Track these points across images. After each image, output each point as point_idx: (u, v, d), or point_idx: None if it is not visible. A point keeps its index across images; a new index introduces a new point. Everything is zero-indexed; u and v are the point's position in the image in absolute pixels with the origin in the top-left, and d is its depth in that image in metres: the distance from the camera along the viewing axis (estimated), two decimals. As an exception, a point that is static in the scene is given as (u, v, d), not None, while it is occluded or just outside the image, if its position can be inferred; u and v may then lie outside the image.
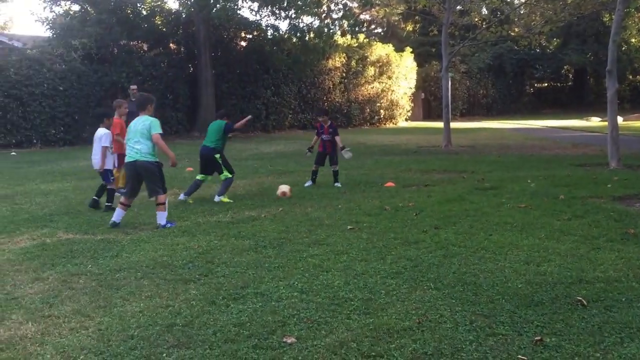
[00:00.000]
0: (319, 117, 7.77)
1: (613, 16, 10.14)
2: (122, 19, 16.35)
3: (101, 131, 6.27)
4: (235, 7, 17.10)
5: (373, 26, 31.26)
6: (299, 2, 16.56)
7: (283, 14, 17.68)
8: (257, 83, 19.01)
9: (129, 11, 16.98)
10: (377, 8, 21.97)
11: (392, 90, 22.80)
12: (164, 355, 2.55)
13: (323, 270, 3.72)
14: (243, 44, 19.74)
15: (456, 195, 6.36)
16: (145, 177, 5.19)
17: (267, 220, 5.33)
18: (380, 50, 22.31)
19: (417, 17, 25.12)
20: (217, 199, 6.41)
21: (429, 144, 14.19)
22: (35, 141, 14.78)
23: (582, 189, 6.58)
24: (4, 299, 3.31)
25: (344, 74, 21.49)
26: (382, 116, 22.92)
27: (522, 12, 15.28)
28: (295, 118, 20.35)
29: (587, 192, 6.36)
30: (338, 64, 21.13)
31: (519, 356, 2.47)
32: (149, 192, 5.26)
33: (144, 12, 17.90)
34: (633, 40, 28.86)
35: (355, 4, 19.47)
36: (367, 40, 23.02)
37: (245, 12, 26.16)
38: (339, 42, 20.16)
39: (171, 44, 18.63)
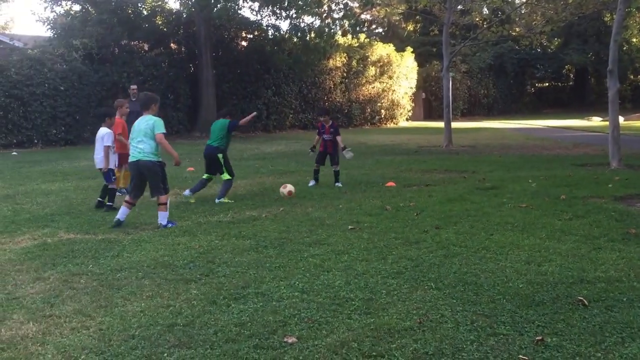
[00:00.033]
0: (321, 116, 7.76)
1: (614, 16, 10.14)
2: (123, 19, 16.37)
3: (103, 130, 6.28)
4: (236, 7, 17.11)
5: (374, 26, 31.25)
6: (299, 2, 16.56)
7: (284, 14, 17.68)
8: (257, 83, 19.02)
9: (129, 11, 16.99)
10: (378, 8, 21.95)
11: (393, 90, 22.79)
12: (165, 355, 2.55)
13: (324, 270, 3.72)
14: (244, 43, 19.75)
15: (457, 195, 6.36)
16: (148, 176, 5.20)
17: (268, 220, 5.33)
18: (381, 50, 22.30)
19: (418, 17, 25.11)
20: (217, 201, 6.41)
21: (430, 143, 14.18)
22: (36, 141, 14.80)
23: (583, 189, 6.57)
24: (5, 299, 3.32)
25: (345, 74, 21.49)
26: (382, 116, 22.91)
27: (523, 12, 15.26)
28: (296, 118, 20.36)
29: (588, 192, 6.35)
30: (339, 64, 21.13)
31: (520, 356, 2.47)
32: (151, 192, 5.27)
33: (145, 12, 17.92)
34: (634, 40, 28.83)
35: (356, 4, 19.44)
36: (368, 40, 23.03)
37: (246, 12, 26.11)
38: (339, 42, 20.16)
39: (172, 44, 18.65)
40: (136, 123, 5.28)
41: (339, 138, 7.44)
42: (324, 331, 2.76)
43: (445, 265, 3.78)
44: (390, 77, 22.58)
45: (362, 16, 23.30)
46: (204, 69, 17.63)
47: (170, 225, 5.15)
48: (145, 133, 5.13)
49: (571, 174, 8.07)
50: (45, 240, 4.75)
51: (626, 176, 7.60)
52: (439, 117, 23.03)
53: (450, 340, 2.63)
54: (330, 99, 21.04)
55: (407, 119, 24.07)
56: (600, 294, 3.17)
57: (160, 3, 18.72)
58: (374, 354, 2.51)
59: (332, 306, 3.08)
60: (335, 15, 18.08)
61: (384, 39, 26.59)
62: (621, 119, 12.92)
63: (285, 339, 2.66)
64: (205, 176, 6.66)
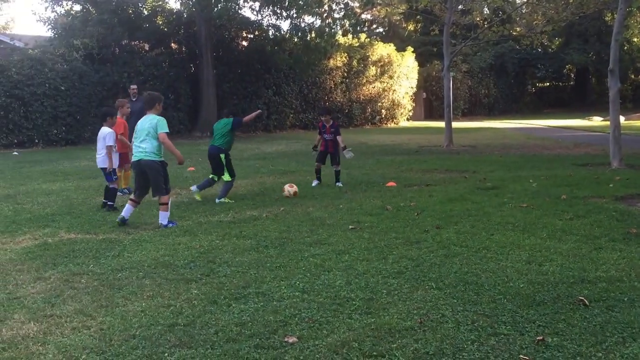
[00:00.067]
0: (322, 116, 7.76)
1: (615, 15, 10.12)
2: (124, 19, 16.38)
3: (105, 130, 6.29)
4: (237, 6, 17.11)
5: (374, 26, 31.25)
6: (300, 2, 16.56)
7: (284, 14, 17.69)
8: (258, 83, 19.02)
9: (130, 11, 17.00)
10: (379, 8, 21.95)
11: (394, 90, 22.78)
12: (166, 354, 2.55)
13: (324, 270, 3.72)
14: (244, 43, 19.75)
15: (458, 195, 6.35)
16: (150, 175, 5.20)
17: (268, 220, 5.33)
18: (382, 49, 22.29)
19: (418, 17, 25.09)
20: (217, 201, 6.42)
21: (431, 143, 14.17)
22: (37, 141, 14.81)
23: (584, 189, 6.56)
24: (6, 299, 3.32)
25: (346, 74, 21.48)
26: (383, 116, 22.91)
27: (524, 12, 15.24)
28: (297, 118, 20.36)
29: (589, 192, 6.34)
30: (339, 64, 21.13)
31: (521, 356, 2.47)
32: (152, 191, 5.27)
33: (146, 12, 17.93)
34: (635, 39, 28.79)
35: (357, 4, 19.44)
36: (369, 39, 23.02)
37: (246, 12, 26.10)
38: (340, 42, 20.16)
39: (173, 44, 18.65)
40: (140, 122, 5.28)
41: (339, 138, 7.44)
42: (324, 331, 2.76)
43: (446, 265, 3.78)
44: (391, 77, 22.58)
45: (363, 16, 23.31)
46: (205, 68, 17.63)
47: (170, 225, 5.16)
48: (148, 132, 5.13)
49: (572, 173, 8.06)
50: (46, 240, 4.75)
51: (627, 176, 7.59)
52: (439, 117, 23.02)
53: (451, 340, 2.63)
54: (331, 99, 21.03)
55: (407, 119, 24.06)
56: (601, 294, 3.17)
57: (160, 3, 18.72)
58: (374, 353, 2.51)
59: (333, 306, 3.08)
60: (336, 15, 18.09)
61: (385, 38, 26.58)
62: (622, 119, 12.90)
63: (286, 339, 2.66)
64: (211, 176, 6.67)
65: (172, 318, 2.96)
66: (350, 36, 20.64)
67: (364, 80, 21.93)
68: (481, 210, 5.50)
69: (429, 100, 27.50)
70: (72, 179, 8.67)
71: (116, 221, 5.24)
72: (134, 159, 5.30)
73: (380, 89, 22.38)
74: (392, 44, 23.18)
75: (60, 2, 17.05)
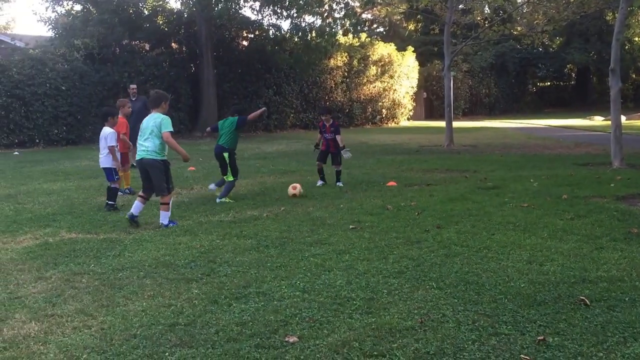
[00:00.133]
0: (322, 115, 7.76)
1: (616, 15, 10.10)
2: (124, 19, 16.38)
3: (106, 130, 6.29)
4: (237, 6, 17.11)
5: (375, 25, 31.22)
6: (300, 2, 16.55)
7: (285, 14, 17.68)
8: (258, 82, 19.02)
9: (131, 11, 17.01)
10: (379, 7, 21.94)
11: (394, 90, 22.77)
12: (167, 354, 2.56)
13: (325, 270, 3.72)
14: (245, 43, 19.76)
15: (458, 195, 6.35)
16: (151, 174, 5.21)
17: (269, 220, 5.33)
18: (382, 49, 22.28)
19: (419, 16, 25.06)
20: (218, 200, 6.42)
21: (431, 143, 14.16)
22: (37, 141, 14.82)
23: (585, 189, 6.56)
24: (7, 298, 3.32)
25: (346, 73, 21.47)
26: (384, 115, 22.90)
27: (524, 11, 15.22)
28: (297, 117, 20.36)
29: (590, 192, 6.34)
30: (340, 63, 21.12)
31: (522, 356, 2.47)
32: (155, 190, 5.28)
33: (146, 12, 17.94)
34: (636, 38, 28.75)
35: (357, 3, 19.43)
36: (369, 39, 23.01)
37: (247, 12, 26.13)
38: (340, 42, 20.15)
39: (173, 44, 18.66)
40: (145, 120, 5.30)
41: (338, 137, 7.43)
42: (325, 331, 2.76)
43: (447, 264, 3.78)
44: (392, 77, 22.56)
45: (363, 15, 23.26)
46: (205, 68, 17.64)
47: (171, 224, 5.16)
48: (152, 131, 5.14)
49: (573, 173, 8.05)
50: (47, 239, 4.76)
51: (628, 176, 7.58)
52: (440, 117, 23.01)
53: (452, 339, 2.63)
54: (332, 99, 21.03)
55: (408, 119, 24.05)
56: (602, 294, 3.16)
57: (161, 3, 18.73)
58: (375, 353, 2.51)
59: (334, 306, 3.08)
60: (336, 15, 18.07)
61: (385, 38, 26.57)
62: (623, 118, 12.90)
63: (287, 339, 2.66)
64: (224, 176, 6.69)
65: (172, 317, 2.96)
66: (350, 36, 20.61)
67: (365, 80, 21.92)
68: (482, 209, 5.50)
69: (430, 100, 27.49)
70: (73, 179, 8.67)
71: (125, 217, 5.25)
72: (137, 157, 5.32)
73: (381, 89, 22.36)
74: (392, 44, 23.17)
75: (60, 2, 17.06)
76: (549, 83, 32.58)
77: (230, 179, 6.48)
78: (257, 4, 17.88)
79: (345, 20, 17.89)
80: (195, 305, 3.14)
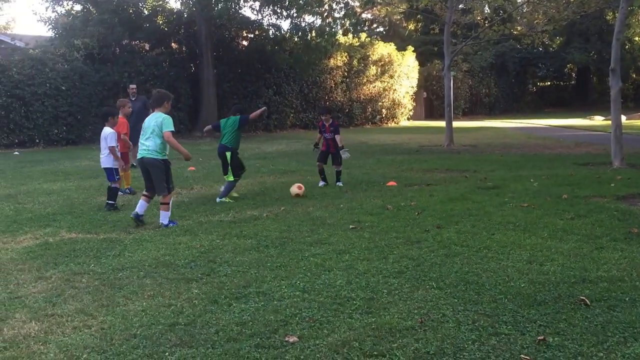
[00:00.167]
0: (322, 115, 7.77)
1: (616, 14, 10.10)
2: (124, 19, 16.38)
3: (107, 130, 6.30)
4: (237, 6, 17.10)
5: (375, 25, 31.23)
6: (300, 1, 16.55)
7: (285, 13, 17.68)
8: (258, 82, 19.02)
9: (130, 11, 17.01)
10: (379, 7, 21.92)
11: (394, 90, 22.77)
12: (167, 354, 2.55)
13: (325, 270, 3.72)
14: (245, 43, 19.76)
15: (458, 195, 6.35)
16: (151, 173, 5.22)
17: (269, 220, 5.33)
18: (382, 49, 22.28)
19: (419, 16, 25.07)
20: (218, 200, 6.42)
21: (431, 143, 14.16)
22: (37, 141, 14.82)
23: (585, 188, 6.55)
24: (7, 298, 3.32)
25: (346, 73, 21.47)
26: (383, 115, 22.90)
27: (524, 11, 15.22)
28: (297, 117, 20.35)
29: (590, 192, 6.33)
30: (340, 63, 21.12)
31: (522, 356, 2.47)
32: (155, 189, 5.28)
33: (146, 12, 17.94)
34: (637, 38, 28.74)
35: (357, 3, 19.43)
36: (369, 39, 23.01)
37: (246, 12, 26.12)
38: (340, 41, 20.15)
39: (173, 44, 18.66)
40: (147, 120, 5.32)
41: (337, 137, 7.43)
42: (325, 330, 2.76)
43: (447, 264, 3.78)
44: (392, 76, 22.56)
45: (363, 15, 23.27)
46: (205, 68, 17.63)
47: (171, 224, 5.16)
48: (153, 130, 5.15)
49: (573, 173, 8.05)
50: (47, 239, 4.76)
51: (628, 175, 7.58)
52: (440, 117, 23.01)
53: (452, 339, 2.63)
54: (331, 98, 21.03)
55: (408, 119, 24.05)
56: (603, 294, 3.16)
57: (161, 3, 18.73)
58: (375, 353, 2.51)
59: (334, 305, 3.08)
60: (336, 15, 18.08)
61: (385, 38, 26.57)
62: (623, 118, 12.88)
63: (287, 338, 2.66)
64: None
65: (172, 317, 2.96)
66: (350, 35, 20.62)
67: (365, 80, 21.92)
68: (482, 209, 5.50)
69: (430, 100, 27.49)
70: (73, 179, 8.67)
71: (130, 217, 5.26)
72: (138, 156, 5.34)
73: (381, 89, 22.36)
74: (392, 44, 23.17)
75: (60, 2, 17.06)
76: (549, 83, 32.57)
77: (231, 179, 6.48)
78: (257, 3, 17.89)
79: (345, 20, 17.89)
80: (195, 305, 3.14)
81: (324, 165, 7.55)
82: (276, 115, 19.49)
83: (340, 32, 19.19)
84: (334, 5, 18.11)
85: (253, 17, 19.02)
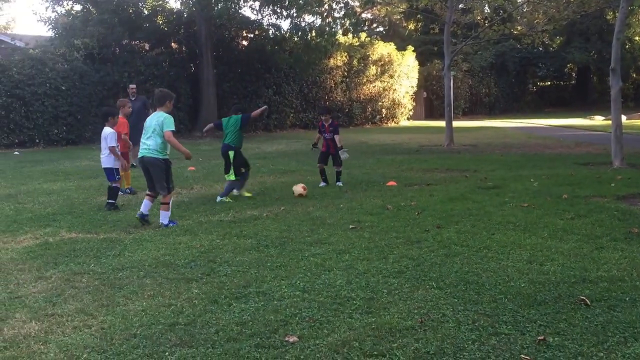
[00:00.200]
0: (322, 115, 7.77)
1: (617, 14, 10.09)
2: (124, 19, 16.38)
3: (107, 130, 6.30)
4: (237, 6, 17.10)
5: (375, 25, 31.22)
6: (300, 1, 16.54)
7: (284, 13, 17.68)
8: (258, 82, 19.02)
9: (130, 11, 17.01)
10: (379, 7, 21.92)
11: (394, 89, 22.76)
12: (167, 354, 2.55)
13: (325, 270, 3.72)
14: (245, 43, 19.76)
15: (458, 195, 6.34)
16: (152, 172, 5.23)
17: (268, 220, 5.33)
18: (382, 49, 22.28)
19: (419, 16, 25.06)
20: (218, 199, 6.42)
21: (431, 143, 14.16)
22: (37, 141, 14.82)
23: (586, 188, 6.55)
24: (7, 298, 3.32)
25: (346, 73, 21.47)
26: (383, 115, 22.89)
27: (524, 10, 15.22)
28: (297, 117, 20.35)
29: (590, 191, 6.33)
30: (340, 63, 21.11)
31: (522, 355, 2.47)
32: (156, 188, 5.28)
33: (146, 12, 17.94)
34: (637, 38, 28.74)
35: (357, 3, 19.43)
36: (369, 39, 23.00)
37: (246, 12, 26.13)
38: (340, 41, 20.15)
39: (173, 44, 18.66)
40: (148, 119, 5.34)
41: (337, 137, 7.43)
42: (325, 330, 2.75)
43: (447, 264, 3.78)
44: (391, 76, 22.56)
45: (363, 15, 23.27)
46: (205, 68, 17.63)
47: (171, 224, 5.16)
48: (154, 129, 5.17)
49: (573, 173, 8.05)
50: (47, 239, 4.76)
51: (629, 175, 7.58)
52: (440, 116, 23.00)
53: (452, 339, 2.63)
54: (331, 98, 21.03)
55: (408, 118, 24.04)
56: (603, 294, 3.16)
57: (161, 2, 18.73)
58: (375, 353, 2.51)
59: (334, 305, 3.08)
60: (336, 14, 18.08)
61: (385, 37, 26.56)
62: (624, 118, 12.88)
63: (287, 338, 2.66)
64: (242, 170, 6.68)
65: (172, 317, 2.96)
66: (350, 35, 20.61)
67: (365, 80, 21.92)
68: (482, 209, 5.50)
69: (430, 100, 27.48)
70: (73, 179, 8.67)
71: (136, 217, 5.27)
72: (139, 155, 5.36)
73: (381, 88, 22.35)
74: (392, 43, 23.16)
75: (60, 2, 17.06)
76: (549, 82, 32.56)
77: (232, 178, 6.48)
78: (257, 3, 17.89)
79: (345, 19, 17.88)
80: (195, 304, 3.14)
81: (325, 166, 7.55)
82: (276, 115, 19.49)
83: (340, 32, 19.18)
84: (334, 5, 18.11)
85: (253, 17, 19.04)
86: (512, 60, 28.38)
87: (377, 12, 27.69)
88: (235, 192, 6.60)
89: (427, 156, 11.14)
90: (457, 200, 5.99)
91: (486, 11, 20.72)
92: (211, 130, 7.04)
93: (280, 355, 2.51)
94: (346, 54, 21.19)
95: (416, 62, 23.71)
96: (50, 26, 16.91)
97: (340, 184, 7.47)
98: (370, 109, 22.31)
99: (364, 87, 21.95)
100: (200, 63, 17.85)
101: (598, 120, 21.16)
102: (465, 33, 20.46)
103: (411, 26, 29.92)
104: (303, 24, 17.74)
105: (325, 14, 17.79)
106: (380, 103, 22.54)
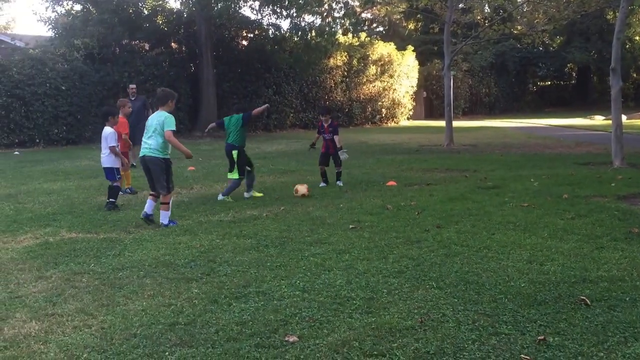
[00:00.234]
0: (322, 115, 7.77)
1: (617, 13, 10.09)
2: (124, 19, 16.38)
3: (107, 130, 6.30)
4: (237, 6, 17.10)
5: (374, 25, 31.21)
6: (300, 1, 16.54)
7: (284, 13, 17.67)
8: (258, 82, 19.01)
9: (130, 11, 17.00)
10: (379, 6, 21.92)
11: (394, 89, 22.76)
12: (167, 353, 2.56)
13: (325, 269, 3.72)
14: (244, 43, 19.75)
15: (458, 194, 6.34)
16: (152, 172, 5.24)
17: (268, 220, 5.33)
18: (382, 48, 22.27)
19: (418, 16, 25.05)
20: (220, 197, 6.42)
21: (431, 142, 14.16)
22: (38, 140, 14.82)
23: (586, 188, 6.55)
24: (7, 298, 3.33)
25: (346, 73, 21.46)
26: (383, 115, 22.88)
27: (525, 10, 15.21)
28: (297, 117, 20.34)
29: (590, 191, 6.33)
30: (340, 63, 21.11)
31: (522, 355, 2.47)
32: (156, 188, 5.29)
33: (146, 12, 17.93)
34: (637, 37, 28.72)
35: (357, 3, 19.42)
36: (369, 38, 22.99)
37: (246, 11, 26.16)
38: (340, 41, 20.15)
39: (173, 44, 18.65)
40: (150, 119, 5.36)
41: (336, 138, 7.43)
42: (325, 330, 2.76)
43: (447, 264, 3.78)
44: (391, 76, 22.55)
45: (363, 15, 23.27)
46: (205, 68, 17.63)
47: (171, 224, 5.16)
48: (155, 129, 5.18)
49: (573, 172, 8.05)
50: (47, 239, 4.76)
51: (629, 175, 7.58)
52: (440, 116, 23.00)
53: (452, 339, 2.63)
54: (331, 98, 21.02)
55: (408, 118, 24.04)
56: (603, 294, 3.16)
57: (160, 2, 18.72)
58: (375, 353, 2.51)
59: (333, 305, 3.08)
60: (336, 14, 18.07)
61: (385, 37, 26.55)
62: (624, 118, 12.87)
63: (287, 338, 2.66)
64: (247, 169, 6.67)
65: (172, 317, 2.96)
66: (350, 35, 20.60)
67: (364, 80, 21.91)
68: (482, 209, 5.50)
69: (430, 99, 27.48)
70: (73, 179, 8.67)
71: (140, 217, 5.28)
72: (140, 154, 5.37)
73: (381, 88, 22.35)
74: (392, 43, 23.15)
75: (60, 2, 17.05)
76: (549, 82, 32.55)
77: (235, 176, 6.47)
78: (257, 3, 17.88)
79: (345, 19, 17.88)
80: (195, 304, 3.14)
81: (326, 168, 7.54)
82: (276, 115, 19.48)
83: (340, 31, 19.18)
84: (334, 5, 18.11)
85: (253, 16, 19.03)
86: (512, 60, 28.37)
87: (377, 11, 27.69)
88: (246, 195, 6.59)
89: (427, 156, 11.14)
90: (457, 200, 5.99)
91: (486, 11, 20.72)
92: (214, 129, 7.06)
93: (280, 355, 2.51)
94: (346, 53, 21.18)
95: (416, 62, 23.70)
96: (50, 26, 16.90)
97: (340, 183, 7.47)
98: (370, 108, 22.31)
99: (364, 87, 21.95)
100: (200, 63, 17.85)
101: (598, 120, 21.15)
102: (465, 33, 20.45)
103: (411, 26, 29.91)
104: (303, 24, 17.74)
105: (325, 13, 17.79)
106: (380, 103, 22.53)
